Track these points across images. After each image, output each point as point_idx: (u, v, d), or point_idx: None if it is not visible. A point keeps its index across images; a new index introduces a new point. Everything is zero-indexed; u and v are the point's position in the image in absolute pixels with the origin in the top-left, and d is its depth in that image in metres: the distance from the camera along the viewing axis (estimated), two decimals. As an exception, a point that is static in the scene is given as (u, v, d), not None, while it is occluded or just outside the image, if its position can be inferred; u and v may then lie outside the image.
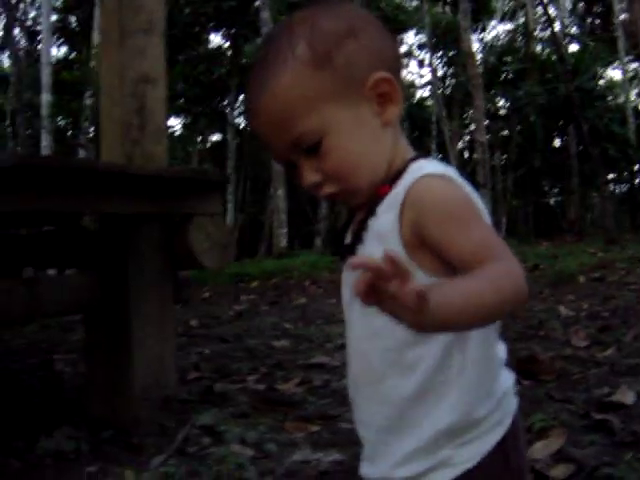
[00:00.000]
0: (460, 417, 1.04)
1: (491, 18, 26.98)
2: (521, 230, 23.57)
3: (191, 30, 22.87)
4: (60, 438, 2.75)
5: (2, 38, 27.12)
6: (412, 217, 1.01)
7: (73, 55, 26.60)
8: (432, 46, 24.91)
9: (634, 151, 20.31)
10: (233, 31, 23.14)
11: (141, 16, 3.11)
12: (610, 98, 22.75)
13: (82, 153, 18.84)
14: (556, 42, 17.91)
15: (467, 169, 24.48)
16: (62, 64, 24.14)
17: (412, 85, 30.91)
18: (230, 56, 24.50)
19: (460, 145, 29.08)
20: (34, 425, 2.93)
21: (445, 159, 27.81)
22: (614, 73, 27.58)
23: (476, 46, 21.22)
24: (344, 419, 2.89)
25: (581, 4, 26.75)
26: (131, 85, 3.09)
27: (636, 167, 22.62)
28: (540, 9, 22.90)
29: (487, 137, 16.05)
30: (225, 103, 25.41)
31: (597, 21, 26.23)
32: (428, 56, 26.01)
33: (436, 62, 26.75)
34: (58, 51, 26.83)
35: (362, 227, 1.07)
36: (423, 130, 28.05)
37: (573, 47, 24.35)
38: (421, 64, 30.08)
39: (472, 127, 25.01)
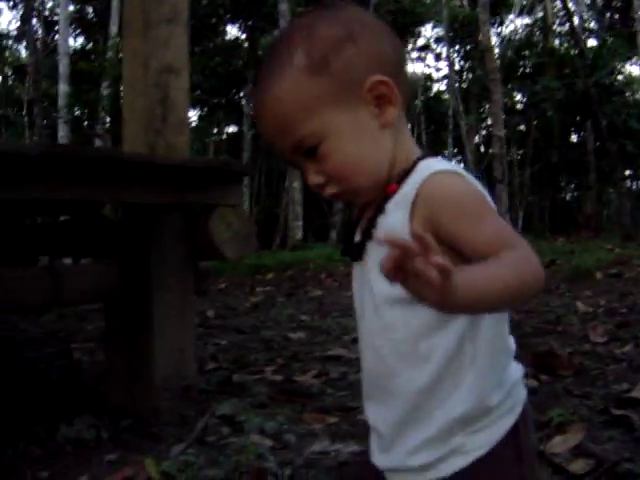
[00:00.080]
0: (473, 405, 1.05)
1: (509, 12, 26.81)
2: (537, 226, 23.49)
3: (208, 21, 22.89)
4: (80, 426, 2.77)
5: (20, 28, 27.23)
6: (425, 214, 1.02)
7: (90, 45, 26.66)
8: (449, 40, 24.83)
9: (652, 147, 20.17)
10: (250, 23, 23.12)
11: (165, 6, 3.11)
12: (628, 94, 22.58)
13: (98, 143, 18.89)
14: (575, 37, 17.80)
15: (483, 164, 24.44)
16: (79, 54, 24.21)
17: (429, 78, 30.83)
18: (247, 48, 24.50)
19: (476, 139, 28.98)
20: (54, 413, 2.95)
21: (461, 153, 27.77)
22: (633, 69, 27.46)
23: (494, 40, 21.06)
24: (362, 411, 2.89)
25: (600, -1, 26.58)
26: (154, 75, 3.09)
27: (654, 163, 22.50)
28: (559, 3, 22.76)
29: (504, 132, 15.96)
30: (241, 95, 25.44)
31: (616, 16, 26.03)
32: (445, 49, 25.96)
33: (453, 56, 26.66)
34: (75, 41, 26.94)
35: (371, 225, 1.09)
36: (440, 124, 28.02)
37: (591, 42, 24.21)
38: (438, 57, 29.98)
39: (489, 121, 24.96)
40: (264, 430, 2.74)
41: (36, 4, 25.51)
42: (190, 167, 2.85)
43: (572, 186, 28.44)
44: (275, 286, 9.58)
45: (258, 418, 2.85)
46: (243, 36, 26.01)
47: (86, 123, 25.31)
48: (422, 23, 27.19)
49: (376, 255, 1.05)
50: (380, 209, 1.08)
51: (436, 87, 32.32)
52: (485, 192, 1.06)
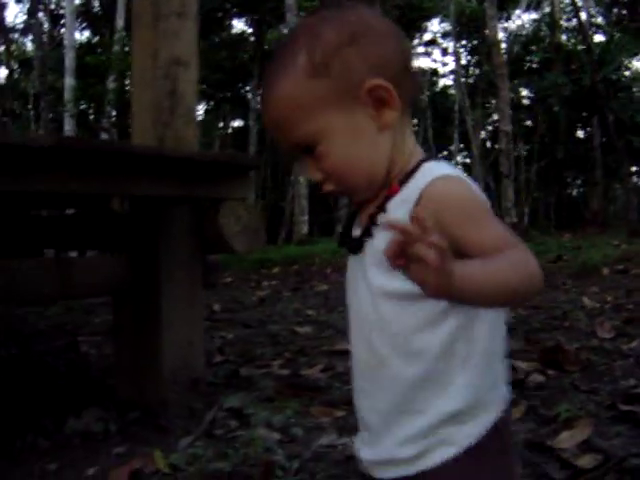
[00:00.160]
0: (467, 404, 1.08)
1: (516, 7, 26.74)
2: (543, 222, 23.46)
3: (214, 15, 22.89)
4: (89, 419, 2.77)
5: (26, 22, 27.25)
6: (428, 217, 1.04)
7: (96, 39, 26.67)
8: (456, 34, 24.80)
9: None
10: (257, 17, 23.11)
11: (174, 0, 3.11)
12: (636, 89, 22.49)
13: (104, 136, 18.90)
14: (582, 32, 17.75)
15: (490, 159, 24.40)
16: (85, 48, 24.21)
17: (435, 73, 30.78)
18: (253, 42, 24.50)
19: (483, 135, 28.94)
20: (62, 406, 2.96)
21: (467, 149, 27.73)
22: (640, 64, 27.31)
23: (500, 35, 21.02)
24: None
25: (608, -6, 26.48)
26: (163, 68, 3.09)
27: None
28: (566, -2, 22.73)
29: (510, 127, 15.92)
30: (247, 89, 25.43)
31: (624, 11, 25.92)
32: (452, 44, 25.92)
33: (460, 51, 26.61)
34: (81, 35, 26.95)
35: (372, 222, 1.11)
36: (446, 119, 27.97)
37: (598, 37, 24.14)
38: (445, 52, 29.95)
39: (495, 117, 24.91)
40: (271, 423, 2.75)
41: (42, -3, 25.53)
42: (199, 160, 2.85)
43: (578, 182, 28.41)
44: (281, 280, 9.59)
45: (265, 411, 2.86)
46: (249, 30, 26.02)
47: (92, 117, 25.35)
48: (429, 18, 27.18)
49: (374, 252, 1.08)
50: (381, 208, 1.10)
51: (442, 82, 32.33)
52: (485, 197, 1.09)
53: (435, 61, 42.72)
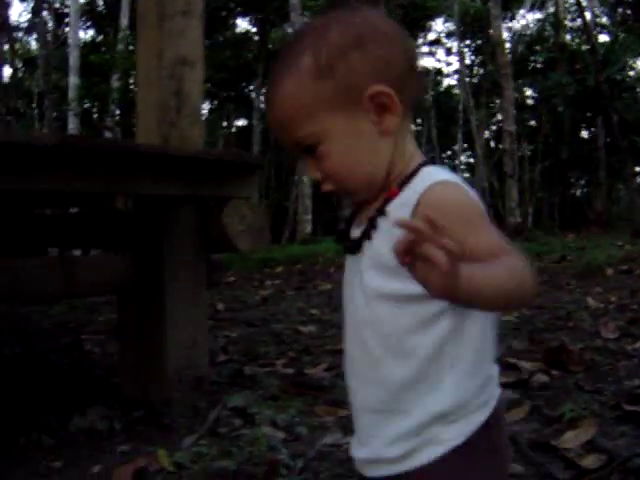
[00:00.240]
0: (456, 404, 1.08)
1: (520, 6, 26.70)
2: (546, 222, 23.44)
3: (219, 14, 22.89)
4: (93, 417, 2.78)
5: (30, 20, 27.28)
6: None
7: (100, 38, 26.69)
8: (460, 34, 24.77)
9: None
10: (261, 16, 23.12)
11: (180, -1, 3.11)
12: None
13: (108, 135, 18.92)
14: (587, 32, 17.73)
15: (494, 159, 24.38)
16: (89, 47, 24.24)
17: (439, 73, 30.76)
18: (257, 41, 24.50)
19: (487, 135, 28.92)
20: (66, 404, 2.96)
21: (471, 148, 27.70)
22: (644, 65, 27.24)
23: (505, 35, 21.00)
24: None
25: (612, -6, 26.43)
26: (169, 67, 3.09)
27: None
28: (570, -2, 22.70)
29: (514, 127, 15.92)
30: (251, 88, 25.44)
31: (628, 11, 25.88)
32: (456, 44, 25.89)
33: (464, 50, 26.59)
34: (85, 34, 26.99)
35: (372, 225, 1.12)
36: (450, 119, 27.95)
37: (603, 37, 24.11)
38: (449, 52, 29.91)
39: (499, 116, 24.89)
40: (276, 422, 2.75)
41: (47, -4, 25.55)
42: (203, 159, 2.85)
43: (582, 182, 28.37)
44: (284, 280, 9.59)
45: (270, 410, 2.86)
46: (253, 29, 26.01)
47: (96, 115, 25.36)
48: (433, 17, 27.13)
49: (373, 253, 1.10)
50: (381, 211, 1.11)
51: (446, 82, 32.29)
52: (482, 203, 1.10)
53: (439, 61, 42.55)
